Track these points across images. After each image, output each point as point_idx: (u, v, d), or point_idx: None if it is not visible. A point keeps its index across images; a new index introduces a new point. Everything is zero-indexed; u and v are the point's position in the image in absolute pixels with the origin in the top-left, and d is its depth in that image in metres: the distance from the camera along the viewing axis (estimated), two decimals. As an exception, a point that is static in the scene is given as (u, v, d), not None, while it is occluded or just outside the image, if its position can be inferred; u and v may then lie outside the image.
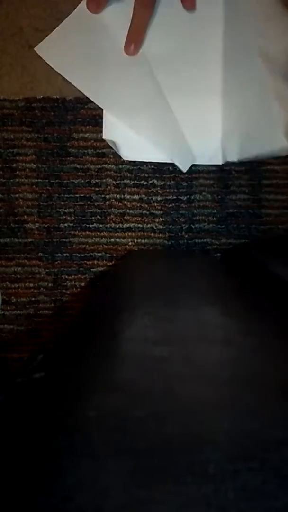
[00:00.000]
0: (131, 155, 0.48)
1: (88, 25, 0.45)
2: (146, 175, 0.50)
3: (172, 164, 0.49)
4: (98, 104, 0.47)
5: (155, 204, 0.50)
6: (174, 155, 0.48)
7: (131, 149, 0.48)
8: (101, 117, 0.48)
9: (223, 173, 0.50)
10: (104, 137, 0.47)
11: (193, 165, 0.49)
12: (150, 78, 0.46)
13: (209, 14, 0.45)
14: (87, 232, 0.50)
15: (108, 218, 0.50)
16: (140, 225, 0.50)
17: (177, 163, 0.48)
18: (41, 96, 0.48)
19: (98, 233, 0.50)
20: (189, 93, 0.46)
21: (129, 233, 0.50)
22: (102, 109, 0.48)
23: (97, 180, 0.50)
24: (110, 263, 0.51)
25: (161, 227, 0.50)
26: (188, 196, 0.50)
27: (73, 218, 0.50)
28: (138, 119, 0.46)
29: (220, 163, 0.48)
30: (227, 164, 0.49)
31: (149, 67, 0.45)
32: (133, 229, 0.50)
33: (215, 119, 0.47)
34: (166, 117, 0.46)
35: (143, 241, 0.51)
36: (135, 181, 0.50)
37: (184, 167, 0.48)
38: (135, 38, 0.44)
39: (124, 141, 0.47)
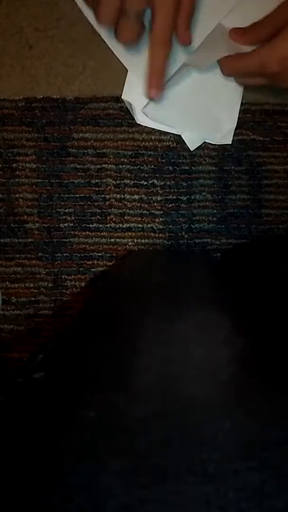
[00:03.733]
0: (145, 120, 0.48)
1: None
2: (146, 175, 0.50)
3: (172, 164, 0.49)
4: (124, 64, 0.46)
5: (155, 204, 0.50)
6: (185, 130, 0.48)
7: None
8: (101, 117, 0.48)
9: (223, 173, 0.50)
10: (123, 97, 0.47)
11: (194, 164, 0.49)
12: (179, 47, 0.45)
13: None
14: (87, 232, 0.50)
15: (108, 218, 0.50)
16: (140, 225, 0.50)
17: (185, 139, 0.48)
18: (41, 96, 0.48)
19: (98, 233, 0.50)
20: (214, 69, 0.46)
21: (129, 233, 0.50)
22: (102, 110, 0.48)
23: (97, 180, 0.50)
24: (110, 263, 0.51)
25: (161, 227, 0.50)
26: (188, 196, 0.50)
27: (73, 218, 0.50)
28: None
29: (229, 142, 0.48)
30: (227, 164, 0.49)
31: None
32: (133, 229, 0.50)
33: (236, 99, 0.47)
34: (186, 89, 0.46)
35: (143, 241, 0.51)
36: (135, 181, 0.50)
37: (192, 145, 0.48)
38: (155, 83, 0.42)
39: (141, 105, 0.47)
